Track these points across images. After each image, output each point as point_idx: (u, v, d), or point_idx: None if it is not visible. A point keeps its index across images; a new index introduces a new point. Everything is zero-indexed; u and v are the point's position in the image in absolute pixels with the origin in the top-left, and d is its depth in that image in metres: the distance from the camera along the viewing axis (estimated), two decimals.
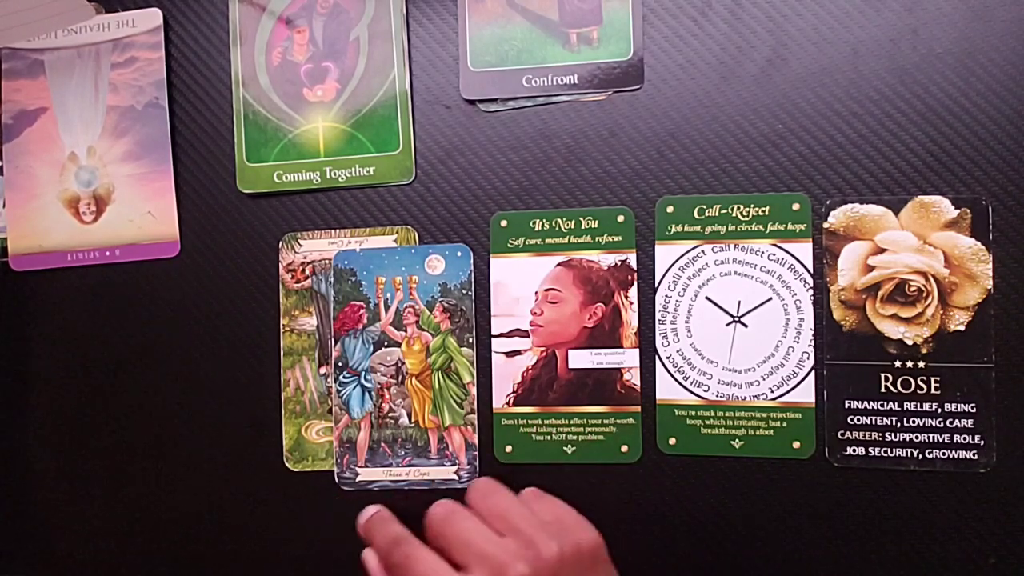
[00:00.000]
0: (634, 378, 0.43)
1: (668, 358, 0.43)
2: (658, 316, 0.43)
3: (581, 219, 0.44)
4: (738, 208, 0.42)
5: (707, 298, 0.43)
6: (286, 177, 0.46)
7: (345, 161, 0.46)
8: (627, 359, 0.43)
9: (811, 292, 0.42)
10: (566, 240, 0.44)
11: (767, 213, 0.42)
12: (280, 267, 0.46)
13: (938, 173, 0.41)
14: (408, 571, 0.36)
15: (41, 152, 0.49)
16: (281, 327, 0.46)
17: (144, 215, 0.48)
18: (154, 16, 0.48)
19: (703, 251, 0.43)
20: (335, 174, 0.46)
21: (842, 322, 0.42)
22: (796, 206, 0.42)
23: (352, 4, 0.46)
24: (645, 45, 0.44)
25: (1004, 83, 0.40)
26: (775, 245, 0.42)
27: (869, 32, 0.42)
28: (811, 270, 0.42)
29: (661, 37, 0.43)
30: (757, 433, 0.42)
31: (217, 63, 0.48)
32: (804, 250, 0.42)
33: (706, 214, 0.43)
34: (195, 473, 0.47)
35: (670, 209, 0.43)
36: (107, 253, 0.48)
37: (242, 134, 0.47)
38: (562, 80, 0.44)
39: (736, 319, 0.43)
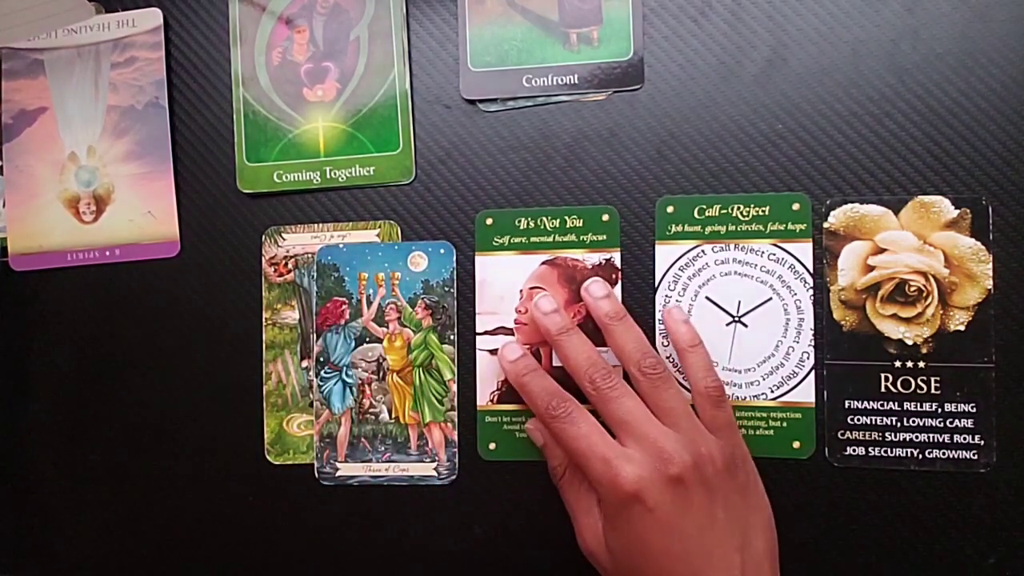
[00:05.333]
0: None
1: (668, 358, 0.43)
2: (658, 316, 0.43)
3: (566, 218, 0.44)
4: (738, 208, 0.42)
5: (707, 298, 0.43)
6: (286, 177, 0.46)
7: (345, 161, 0.46)
8: (611, 357, 0.43)
9: (811, 292, 0.42)
10: (551, 239, 0.44)
11: (767, 213, 0.42)
12: (263, 260, 0.47)
13: (938, 173, 0.41)
14: (569, 426, 0.38)
15: (41, 152, 0.49)
16: (264, 320, 0.46)
17: (144, 215, 0.48)
18: (154, 16, 0.48)
19: (703, 251, 0.43)
20: (335, 174, 0.46)
21: (842, 322, 0.42)
22: (796, 206, 0.42)
23: (352, 4, 0.46)
24: (645, 45, 0.44)
25: (1004, 83, 0.40)
26: (775, 245, 0.42)
27: (869, 32, 0.42)
28: (811, 270, 0.42)
29: (661, 37, 0.43)
30: (757, 433, 0.42)
31: (217, 63, 0.48)
32: (804, 250, 0.42)
33: (706, 214, 0.43)
34: (193, 471, 0.47)
35: (670, 209, 0.43)
36: (107, 253, 0.48)
37: (242, 134, 0.47)
38: (562, 80, 0.44)
39: (736, 319, 0.43)
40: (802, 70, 0.42)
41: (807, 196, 0.42)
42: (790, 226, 0.42)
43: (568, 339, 0.40)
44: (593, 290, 0.41)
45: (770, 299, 0.42)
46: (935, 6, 0.41)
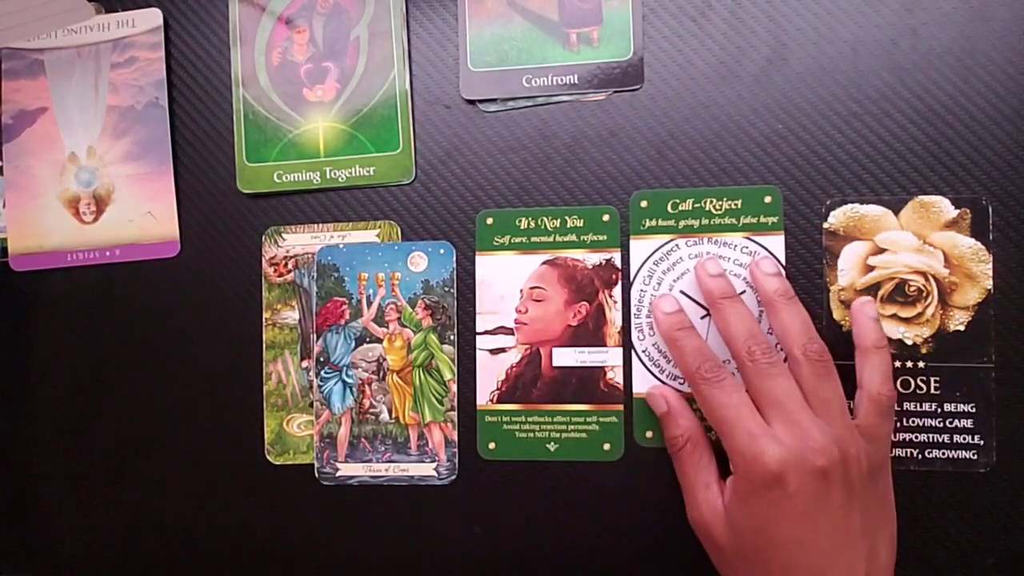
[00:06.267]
0: (617, 376, 0.43)
1: (644, 352, 0.43)
2: (633, 311, 0.43)
3: (567, 218, 0.44)
4: (711, 202, 0.42)
5: (682, 291, 0.43)
6: (286, 177, 0.46)
7: (345, 161, 0.46)
8: (610, 357, 0.43)
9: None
10: (551, 239, 0.44)
11: (740, 206, 0.42)
12: (263, 260, 0.47)
13: (938, 173, 0.41)
14: (720, 392, 0.37)
15: (41, 152, 0.49)
16: (264, 320, 0.46)
17: (144, 215, 0.48)
18: (154, 16, 0.48)
19: (677, 245, 0.43)
20: (335, 174, 0.46)
21: (842, 322, 0.42)
22: (768, 199, 0.42)
23: (352, 4, 0.46)
24: (645, 45, 0.44)
25: (1004, 83, 0.40)
26: (748, 238, 0.42)
27: (869, 32, 0.42)
28: (783, 262, 0.42)
29: (661, 37, 0.43)
30: None
31: (217, 63, 0.48)
32: (776, 243, 0.42)
33: (679, 208, 0.43)
34: (194, 471, 0.47)
35: (644, 204, 0.43)
36: (107, 253, 0.48)
37: (242, 134, 0.47)
38: (562, 80, 0.44)
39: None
40: (802, 70, 0.42)
41: (779, 188, 0.42)
42: (762, 219, 0.42)
43: (732, 305, 0.39)
44: (764, 266, 0.40)
45: (744, 292, 0.42)
46: (935, 6, 0.41)
